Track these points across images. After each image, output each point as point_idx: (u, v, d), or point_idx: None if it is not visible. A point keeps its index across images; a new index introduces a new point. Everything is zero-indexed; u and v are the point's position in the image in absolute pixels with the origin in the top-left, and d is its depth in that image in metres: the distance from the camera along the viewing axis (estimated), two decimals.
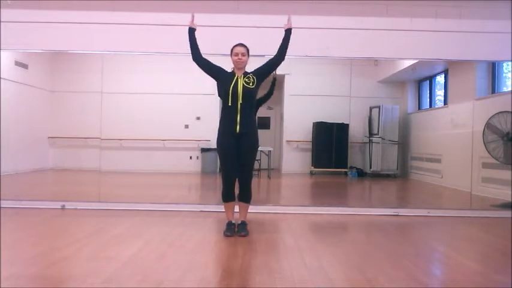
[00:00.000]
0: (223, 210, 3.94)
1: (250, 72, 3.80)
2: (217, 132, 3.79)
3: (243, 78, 3.73)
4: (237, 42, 3.81)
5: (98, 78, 7.59)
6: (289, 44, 3.85)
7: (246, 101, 3.67)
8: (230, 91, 3.66)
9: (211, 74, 3.81)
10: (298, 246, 3.46)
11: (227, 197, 3.81)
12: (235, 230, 3.78)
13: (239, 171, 3.75)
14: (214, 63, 3.83)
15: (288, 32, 3.87)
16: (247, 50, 3.78)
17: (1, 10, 5.04)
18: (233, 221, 3.84)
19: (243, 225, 3.81)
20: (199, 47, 3.81)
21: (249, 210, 3.94)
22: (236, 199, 3.86)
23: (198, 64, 3.81)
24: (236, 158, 3.71)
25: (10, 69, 8.56)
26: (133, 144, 10.05)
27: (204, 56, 3.82)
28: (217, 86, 3.78)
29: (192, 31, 3.82)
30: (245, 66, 3.80)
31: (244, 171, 3.76)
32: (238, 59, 3.72)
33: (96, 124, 8.06)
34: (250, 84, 3.71)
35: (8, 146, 7.62)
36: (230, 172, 3.75)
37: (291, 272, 2.77)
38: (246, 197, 3.83)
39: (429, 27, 5.13)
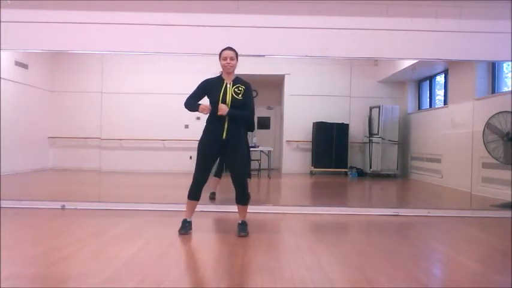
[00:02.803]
0: (223, 210, 3.93)
1: (243, 84, 3.70)
2: (201, 133, 3.75)
3: (233, 87, 3.66)
4: (226, 46, 3.72)
5: (98, 78, 7.58)
6: (241, 115, 3.72)
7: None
8: (219, 101, 3.60)
9: (204, 96, 3.74)
10: (298, 246, 3.46)
11: (193, 195, 3.74)
12: (237, 230, 3.73)
13: (233, 174, 3.69)
14: (196, 90, 3.75)
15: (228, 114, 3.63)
16: (236, 54, 3.69)
17: (1, 10, 5.04)
18: (189, 219, 3.77)
19: (243, 225, 3.77)
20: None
21: (249, 210, 3.92)
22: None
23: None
24: (214, 160, 3.78)
25: (10, 69, 8.56)
26: (133, 144, 10.04)
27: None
28: (208, 98, 3.72)
29: (196, 109, 3.63)
30: (234, 70, 3.71)
31: (237, 173, 3.69)
32: (227, 63, 3.64)
33: (96, 124, 8.06)
34: (240, 95, 3.64)
35: (8, 146, 7.62)
36: (203, 171, 3.71)
37: (291, 272, 2.77)
38: (243, 200, 3.75)
39: (429, 27, 5.13)
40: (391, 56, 5.53)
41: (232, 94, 3.63)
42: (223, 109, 3.57)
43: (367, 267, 2.95)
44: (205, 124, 3.76)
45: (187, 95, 3.76)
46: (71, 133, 9.88)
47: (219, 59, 3.70)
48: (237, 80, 3.72)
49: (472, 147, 6.53)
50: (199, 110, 3.61)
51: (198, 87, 3.78)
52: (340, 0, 5.15)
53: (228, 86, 3.66)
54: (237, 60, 3.70)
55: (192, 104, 3.69)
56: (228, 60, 3.63)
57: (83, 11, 5.09)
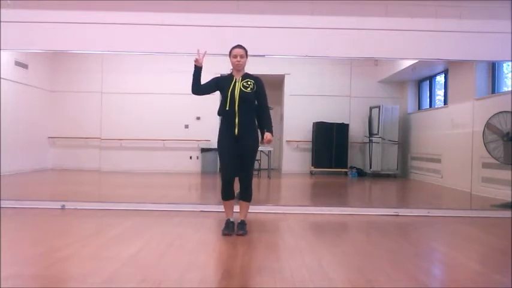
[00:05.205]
0: (223, 210, 3.94)
1: (253, 79, 3.81)
2: (218, 133, 3.86)
3: (241, 81, 3.76)
4: (236, 44, 3.81)
5: (98, 78, 7.59)
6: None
7: (243, 104, 3.71)
8: (228, 95, 3.71)
9: (215, 90, 3.86)
10: (299, 246, 3.46)
11: (226, 195, 3.86)
12: (235, 229, 3.79)
13: (240, 170, 3.80)
14: (209, 80, 3.86)
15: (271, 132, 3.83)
16: (246, 52, 3.81)
17: (1, 10, 5.04)
18: (231, 219, 3.86)
19: (242, 224, 3.83)
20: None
21: (249, 210, 3.96)
22: (236, 198, 3.91)
23: (199, 94, 3.85)
24: (236, 159, 3.76)
25: (10, 69, 8.56)
26: (133, 144, 10.05)
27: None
28: (220, 93, 3.84)
29: (198, 69, 3.78)
30: (244, 67, 3.83)
31: (244, 170, 3.81)
32: (237, 61, 3.75)
33: (96, 124, 8.07)
34: (248, 89, 3.74)
35: (8, 146, 7.62)
36: (229, 172, 3.80)
37: (291, 272, 2.77)
38: (246, 196, 3.88)
39: (429, 27, 5.13)
40: (391, 56, 5.53)
41: (240, 88, 3.73)
42: (269, 139, 3.71)
43: (367, 267, 2.96)
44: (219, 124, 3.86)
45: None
46: (71, 133, 9.88)
47: (229, 57, 3.81)
48: (246, 76, 3.84)
49: (472, 147, 6.53)
50: (196, 63, 3.74)
51: (210, 80, 3.89)
52: (340, 0, 5.16)
53: (237, 81, 3.77)
54: (247, 57, 3.83)
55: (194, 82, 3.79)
56: (238, 58, 3.75)
57: (83, 11, 5.09)
